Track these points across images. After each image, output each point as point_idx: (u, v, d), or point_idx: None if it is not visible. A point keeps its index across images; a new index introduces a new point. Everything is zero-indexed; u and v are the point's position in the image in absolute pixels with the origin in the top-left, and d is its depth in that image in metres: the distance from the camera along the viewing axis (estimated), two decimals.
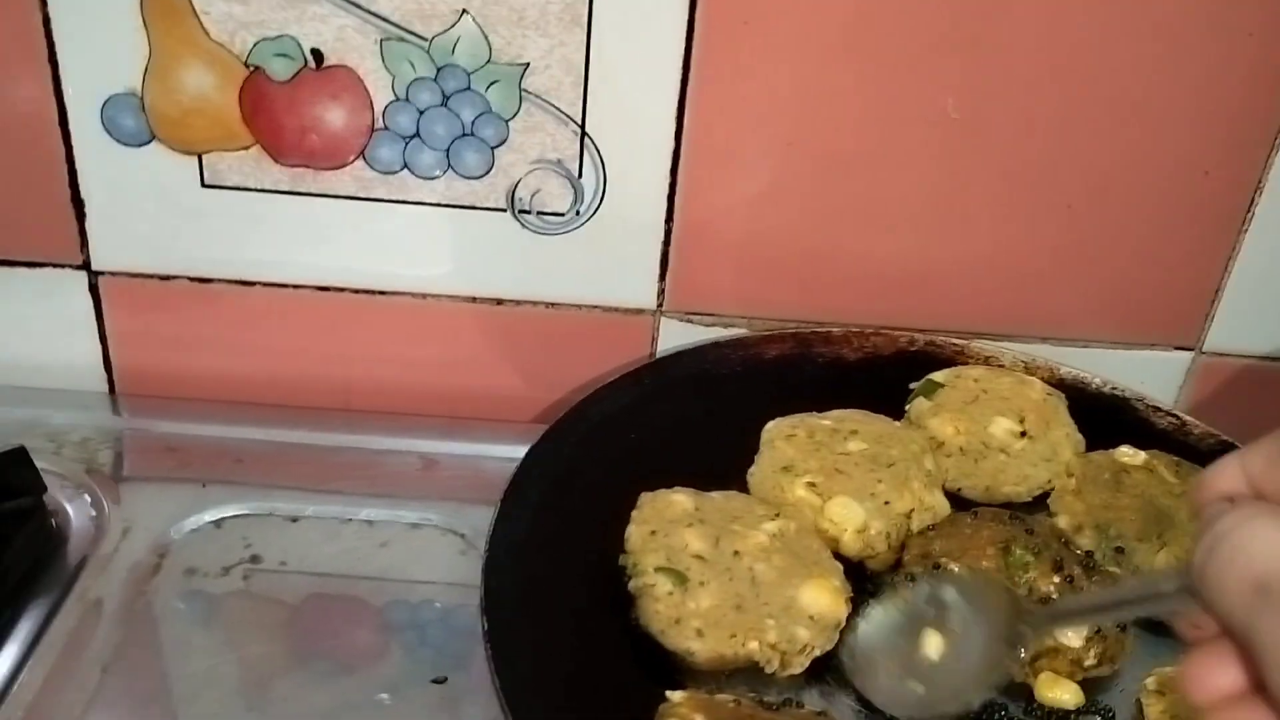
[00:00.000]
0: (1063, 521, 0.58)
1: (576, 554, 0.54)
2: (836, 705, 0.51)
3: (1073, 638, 0.51)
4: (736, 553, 0.53)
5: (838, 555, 0.56)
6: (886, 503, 0.57)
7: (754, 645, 0.50)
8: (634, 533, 0.54)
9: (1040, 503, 0.61)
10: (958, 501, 0.60)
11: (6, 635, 0.54)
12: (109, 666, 0.53)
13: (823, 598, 0.52)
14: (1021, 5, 0.61)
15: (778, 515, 0.56)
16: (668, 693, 0.46)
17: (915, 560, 0.53)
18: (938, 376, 0.65)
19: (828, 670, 0.52)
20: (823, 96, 0.63)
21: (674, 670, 0.50)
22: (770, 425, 0.61)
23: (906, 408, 0.64)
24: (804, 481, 0.58)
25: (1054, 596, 0.51)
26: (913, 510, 0.58)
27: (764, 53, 0.62)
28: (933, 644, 0.45)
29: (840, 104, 0.63)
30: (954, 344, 0.69)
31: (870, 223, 0.67)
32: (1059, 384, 0.67)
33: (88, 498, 0.62)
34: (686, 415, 0.63)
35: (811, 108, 0.63)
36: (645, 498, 0.56)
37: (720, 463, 0.60)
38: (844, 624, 0.51)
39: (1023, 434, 0.61)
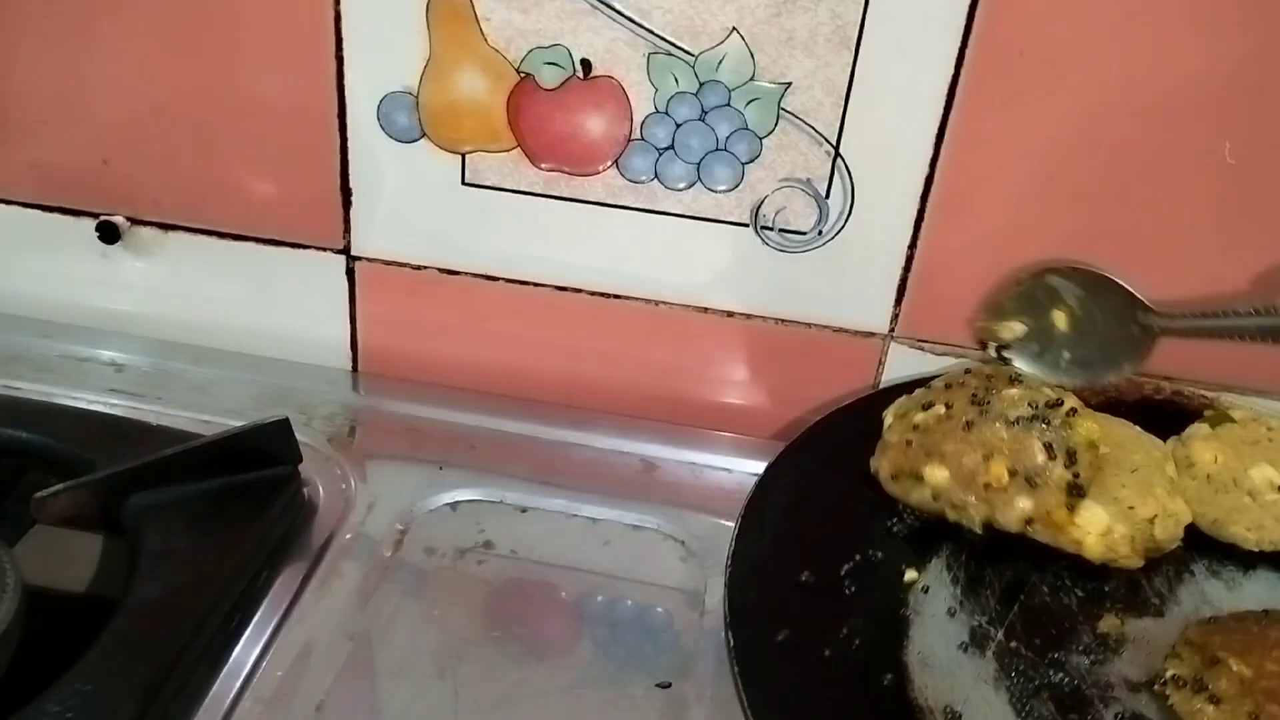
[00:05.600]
0: None
1: (814, 578, 0.54)
2: None
3: None
4: None
5: (1080, 558, 0.57)
6: (1131, 508, 0.57)
7: None
8: None
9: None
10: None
11: (263, 598, 0.57)
12: (356, 636, 0.56)
13: None
14: None
15: None
16: None
17: (1191, 650, 0.51)
18: (1235, 413, 0.64)
19: None
20: (1091, 133, 0.61)
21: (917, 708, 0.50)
22: None
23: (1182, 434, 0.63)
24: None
25: None
26: (1156, 516, 0.57)
27: (1035, 85, 0.60)
28: (1060, 319, 0.62)
29: (1109, 142, 0.61)
30: (1202, 395, 0.66)
31: (1124, 264, 0.65)
32: None
33: (337, 471, 0.66)
34: None
35: (1077, 143, 0.62)
36: None
37: None
38: None
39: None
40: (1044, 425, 0.57)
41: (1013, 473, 0.56)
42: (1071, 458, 0.56)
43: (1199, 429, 0.63)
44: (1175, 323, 0.60)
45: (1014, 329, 0.63)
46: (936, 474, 0.57)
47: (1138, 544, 0.57)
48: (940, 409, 0.59)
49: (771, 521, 0.56)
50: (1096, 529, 0.56)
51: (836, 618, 0.52)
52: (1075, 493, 0.56)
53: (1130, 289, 0.61)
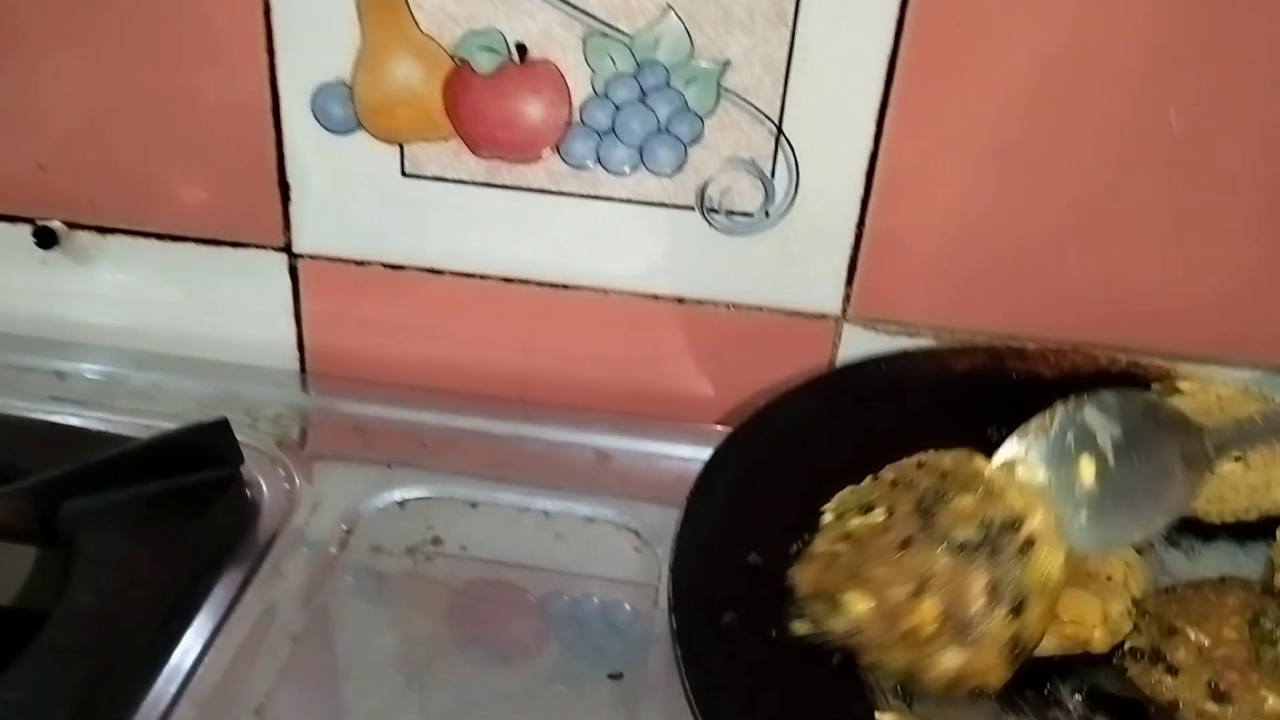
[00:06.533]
0: None
1: (762, 560, 0.53)
2: None
3: None
4: None
5: (1088, 657, 0.51)
6: (1109, 577, 0.52)
7: None
8: None
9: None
10: None
11: (203, 601, 0.56)
12: (299, 637, 0.55)
13: None
14: (1254, 19, 0.58)
15: None
16: (878, 714, 0.45)
17: (1148, 621, 0.50)
18: (1184, 385, 0.62)
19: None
20: (1033, 104, 0.61)
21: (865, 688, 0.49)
22: None
23: None
24: None
25: None
26: (1126, 573, 0.53)
27: (975, 57, 0.59)
28: (1086, 470, 0.50)
29: (1051, 113, 0.61)
30: (1159, 365, 0.65)
31: (1075, 236, 0.64)
32: None
33: (281, 472, 0.64)
34: (872, 425, 0.61)
35: (1020, 116, 0.61)
36: None
37: None
38: None
39: (1238, 458, 0.58)
40: (992, 556, 0.48)
41: (945, 618, 0.47)
42: (1019, 606, 0.47)
43: None
44: (1228, 437, 0.51)
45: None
46: (857, 605, 0.48)
47: (1131, 612, 0.52)
48: (880, 515, 0.51)
49: (718, 505, 0.55)
50: (1094, 619, 0.50)
51: (784, 599, 0.51)
52: (1016, 652, 0.47)
53: (1186, 414, 0.52)
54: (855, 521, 0.51)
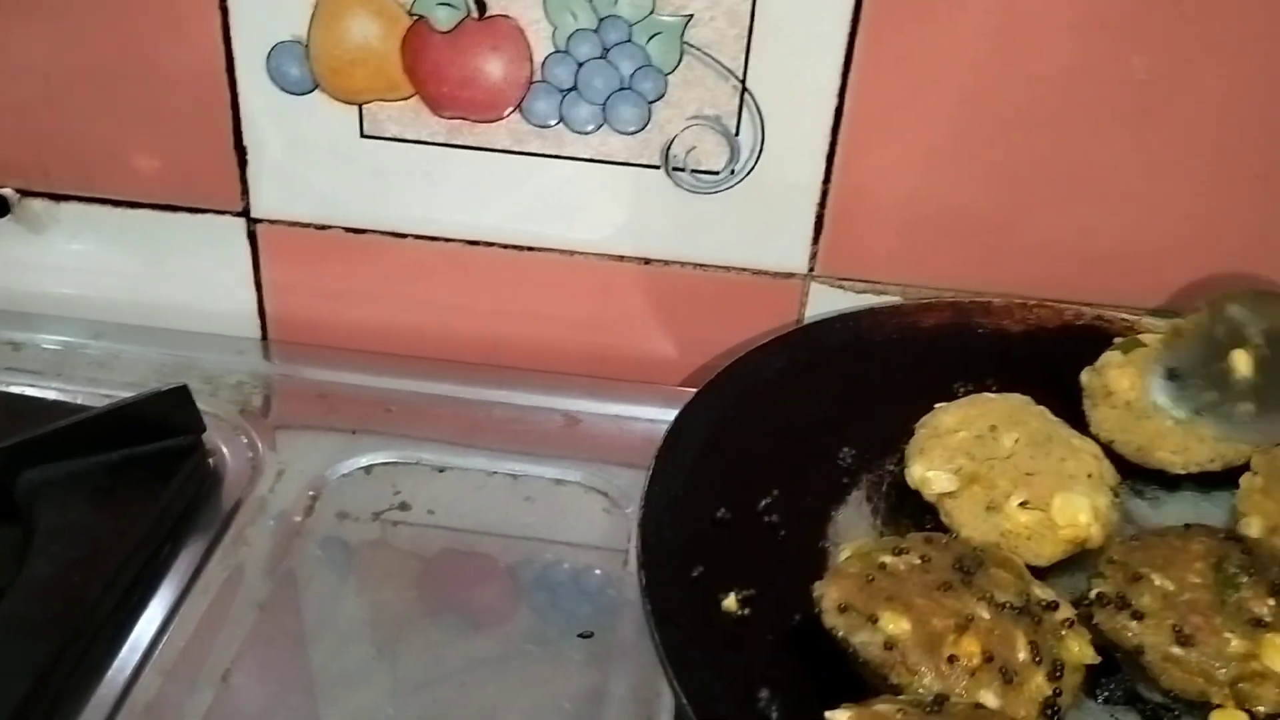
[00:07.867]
0: (1254, 526, 0.53)
1: (731, 514, 0.53)
2: None
3: None
4: None
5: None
6: (1089, 475, 0.54)
7: None
8: None
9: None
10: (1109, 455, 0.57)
11: (166, 570, 0.55)
12: (265, 605, 0.54)
13: None
14: None
15: None
16: (827, 714, 0.43)
17: (1114, 568, 0.50)
18: (1145, 337, 0.62)
19: None
20: (1000, 53, 0.60)
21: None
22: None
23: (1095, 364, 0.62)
24: (1015, 504, 0.53)
25: (1266, 620, 0.47)
26: (1099, 468, 0.55)
27: (939, 7, 0.59)
28: (1242, 362, 0.53)
29: (1020, 62, 0.60)
30: (1124, 319, 0.65)
31: (1042, 189, 0.64)
32: None
33: (244, 439, 0.64)
34: (840, 382, 0.61)
35: (987, 65, 0.60)
36: None
37: (876, 431, 0.58)
38: None
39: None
40: (1034, 623, 0.48)
41: (988, 657, 0.46)
42: (1057, 672, 0.47)
43: (1112, 357, 0.61)
44: None
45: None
46: (897, 623, 0.47)
47: (1114, 503, 0.54)
48: (915, 558, 0.50)
49: (687, 461, 0.54)
50: (1087, 517, 0.52)
51: (754, 552, 0.51)
52: (1049, 713, 0.46)
53: None
54: (889, 558, 0.50)
